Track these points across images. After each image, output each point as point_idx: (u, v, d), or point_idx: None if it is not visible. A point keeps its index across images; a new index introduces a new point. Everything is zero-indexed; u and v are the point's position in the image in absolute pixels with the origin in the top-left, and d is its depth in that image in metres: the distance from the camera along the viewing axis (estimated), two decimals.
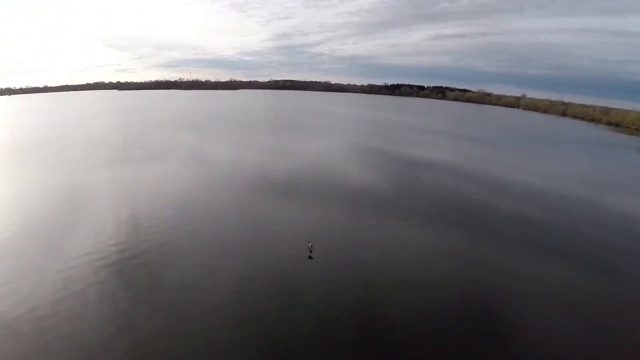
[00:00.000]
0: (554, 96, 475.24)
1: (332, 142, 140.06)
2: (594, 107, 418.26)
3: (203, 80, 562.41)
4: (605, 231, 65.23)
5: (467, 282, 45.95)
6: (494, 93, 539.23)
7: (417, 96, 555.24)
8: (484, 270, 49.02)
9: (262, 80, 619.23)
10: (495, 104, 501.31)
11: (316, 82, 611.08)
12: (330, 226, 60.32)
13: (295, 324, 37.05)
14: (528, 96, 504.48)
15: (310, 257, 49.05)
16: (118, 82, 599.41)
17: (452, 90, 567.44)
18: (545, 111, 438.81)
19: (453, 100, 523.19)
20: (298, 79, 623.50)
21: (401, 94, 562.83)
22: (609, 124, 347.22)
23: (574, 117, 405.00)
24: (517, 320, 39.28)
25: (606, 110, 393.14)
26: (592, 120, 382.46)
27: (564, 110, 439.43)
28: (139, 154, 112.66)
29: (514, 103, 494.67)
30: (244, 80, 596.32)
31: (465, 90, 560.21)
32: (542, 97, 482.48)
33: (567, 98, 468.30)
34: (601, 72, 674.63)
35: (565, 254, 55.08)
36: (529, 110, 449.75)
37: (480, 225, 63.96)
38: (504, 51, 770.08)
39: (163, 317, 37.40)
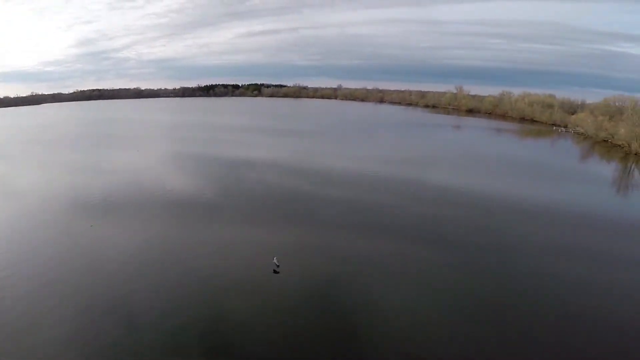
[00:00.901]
0: (369, 85, 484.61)
1: (148, 152, 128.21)
2: (410, 92, 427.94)
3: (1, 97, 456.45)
4: (427, 203, 73.23)
5: (312, 272, 46.69)
6: (310, 86, 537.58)
7: (232, 95, 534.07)
8: (326, 258, 50.47)
9: (66, 92, 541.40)
10: (312, 97, 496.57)
11: (125, 89, 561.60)
12: (158, 240, 56.88)
13: None
14: (344, 86, 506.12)
15: (276, 272, 46.33)
16: None
17: (268, 86, 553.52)
18: (363, 100, 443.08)
19: (270, 96, 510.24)
20: (106, 87, 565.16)
21: (216, 95, 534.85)
22: (426, 106, 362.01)
23: (392, 102, 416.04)
24: (358, 299, 41.01)
25: (422, 94, 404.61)
26: (409, 104, 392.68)
27: (381, 97, 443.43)
28: None
29: (331, 94, 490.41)
30: (46, 93, 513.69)
31: (281, 86, 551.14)
32: (358, 87, 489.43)
33: (383, 85, 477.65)
34: (413, 59, 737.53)
35: (396, 231, 59.43)
36: (347, 100, 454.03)
37: (311, 216, 66.02)
38: (316, 44, 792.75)
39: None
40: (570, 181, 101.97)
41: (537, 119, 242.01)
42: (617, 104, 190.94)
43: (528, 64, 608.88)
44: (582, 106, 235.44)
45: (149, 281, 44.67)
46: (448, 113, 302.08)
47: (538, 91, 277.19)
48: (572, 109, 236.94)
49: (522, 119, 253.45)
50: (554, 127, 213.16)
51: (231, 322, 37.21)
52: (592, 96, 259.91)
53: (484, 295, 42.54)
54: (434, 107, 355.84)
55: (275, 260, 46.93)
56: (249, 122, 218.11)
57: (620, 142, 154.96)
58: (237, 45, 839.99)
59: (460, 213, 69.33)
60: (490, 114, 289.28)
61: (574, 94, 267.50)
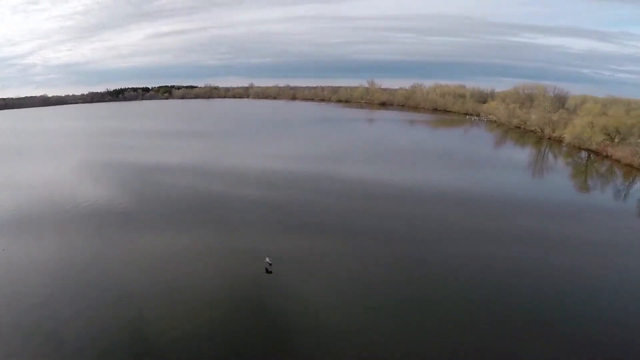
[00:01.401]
0: (281, 82, 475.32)
1: (58, 163, 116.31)
2: (322, 88, 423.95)
3: None
4: (345, 197, 72.16)
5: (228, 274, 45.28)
6: (221, 86, 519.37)
7: (143, 99, 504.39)
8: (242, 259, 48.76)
9: None
10: (224, 97, 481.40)
11: (31, 97, 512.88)
12: (79, 255, 52.14)
13: None
14: (256, 85, 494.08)
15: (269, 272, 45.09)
16: None
17: (179, 88, 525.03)
18: (275, 97, 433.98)
19: (181, 98, 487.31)
20: (10, 96, 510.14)
21: (126, 99, 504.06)
22: (339, 101, 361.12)
23: (305, 99, 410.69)
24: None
25: (334, 90, 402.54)
26: (322, 100, 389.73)
27: (293, 94, 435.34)
28: None
29: (243, 93, 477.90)
30: None
31: (192, 87, 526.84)
32: (270, 85, 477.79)
33: (295, 82, 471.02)
34: (324, 55, 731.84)
35: (315, 227, 58.64)
36: (259, 98, 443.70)
37: (229, 217, 63.69)
38: (226, 44, 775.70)
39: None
40: (488, 167, 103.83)
41: (449, 109, 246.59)
42: (526, 91, 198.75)
43: (438, 56, 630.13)
44: (492, 95, 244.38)
45: (74, 297, 41.53)
46: (361, 107, 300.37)
47: (449, 82, 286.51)
48: (482, 98, 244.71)
49: (435, 110, 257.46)
50: (467, 116, 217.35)
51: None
52: (501, 85, 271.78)
53: (414, 284, 42.37)
54: (346, 101, 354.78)
55: (267, 260, 45.72)
56: (160, 126, 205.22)
57: (532, 128, 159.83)
58: (147, 47, 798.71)
59: (381, 205, 68.56)
60: (403, 106, 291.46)
61: (484, 84, 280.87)
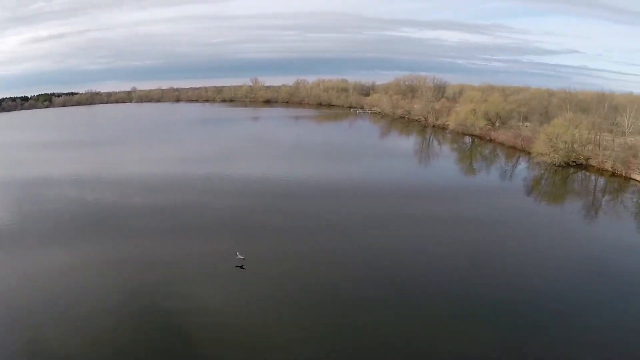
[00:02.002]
0: (164, 84, 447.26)
1: None
2: (206, 88, 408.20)
3: None
4: (237, 196, 68.41)
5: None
6: (103, 91, 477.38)
7: (22, 108, 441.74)
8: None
9: None
10: (107, 102, 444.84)
11: None
12: None
13: None
14: (139, 88, 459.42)
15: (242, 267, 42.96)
16: None
17: (59, 95, 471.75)
18: (159, 100, 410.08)
19: (62, 106, 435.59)
20: None
21: (3, 109, 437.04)
22: (224, 101, 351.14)
23: (189, 101, 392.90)
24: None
25: (219, 90, 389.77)
26: (207, 100, 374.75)
27: (177, 96, 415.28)
28: None
29: (126, 98, 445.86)
30: None
31: (73, 94, 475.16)
32: (153, 87, 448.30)
33: (179, 84, 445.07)
34: (207, 55, 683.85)
35: (209, 229, 54.91)
36: (143, 102, 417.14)
37: (121, 226, 57.80)
38: (106, 47, 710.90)
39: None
40: (377, 157, 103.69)
41: (334, 104, 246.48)
42: (406, 82, 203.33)
43: (320, 52, 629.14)
44: (374, 87, 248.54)
45: None
46: (246, 106, 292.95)
47: (332, 77, 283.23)
48: (364, 91, 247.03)
49: (320, 105, 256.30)
50: (352, 109, 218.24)
51: None
52: (381, 78, 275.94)
53: (313, 277, 41.24)
54: (231, 101, 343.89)
55: (239, 255, 43.57)
56: (40, 137, 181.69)
57: (416, 117, 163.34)
58: (24, 53, 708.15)
59: (273, 201, 66.14)
60: (287, 102, 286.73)
61: (365, 77, 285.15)
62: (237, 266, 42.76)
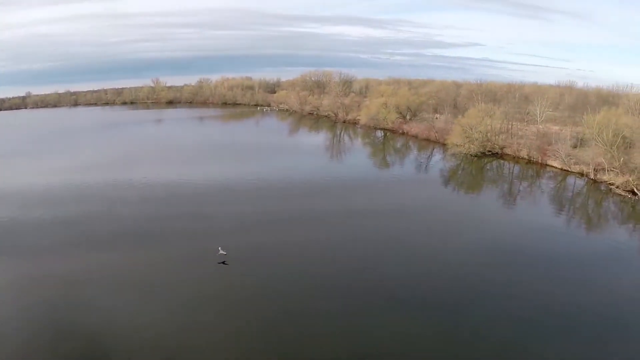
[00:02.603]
0: (62, 88, 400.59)
1: None
2: (105, 91, 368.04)
3: None
4: (141, 203, 61.99)
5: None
6: None
7: None
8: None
9: None
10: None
11: None
12: None
13: None
14: (34, 93, 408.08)
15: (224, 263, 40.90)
16: None
17: None
18: (55, 105, 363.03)
19: None
20: None
21: None
22: (125, 103, 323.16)
23: (88, 104, 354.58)
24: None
25: (119, 92, 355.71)
26: (106, 103, 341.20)
27: (75, 100, 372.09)
28: None
29: (21, 104, 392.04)
30: None
31: None
32: (50, 92, 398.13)
33: (76, 87, 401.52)
34: (105, 55, 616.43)
35: (108, 239, 48.17)
36: (39, 107, 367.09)
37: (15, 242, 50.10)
38: (1, 49, 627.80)
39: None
40: (286, 154, 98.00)
41: (239, 102, 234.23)
42: (313, 78, 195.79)
43: (222, 50, 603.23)
44: (279, 84, 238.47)
45: None
46: (148, 107, 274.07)
47: (236, 75, 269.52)
48: (269, 88, 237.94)
49: (225, 104, 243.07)
50: (258, 107, 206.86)
51: None
52: (286, 74, 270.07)
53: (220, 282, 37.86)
54: (132, 103, 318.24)
55: (221, 250, 41.15)
56: None
57: (326, 113, 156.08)
58: None
59: (184, 205, 60.63)
60: (191, 103, 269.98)
61: (270, 74, 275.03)
62: (219, 262, 40.72)
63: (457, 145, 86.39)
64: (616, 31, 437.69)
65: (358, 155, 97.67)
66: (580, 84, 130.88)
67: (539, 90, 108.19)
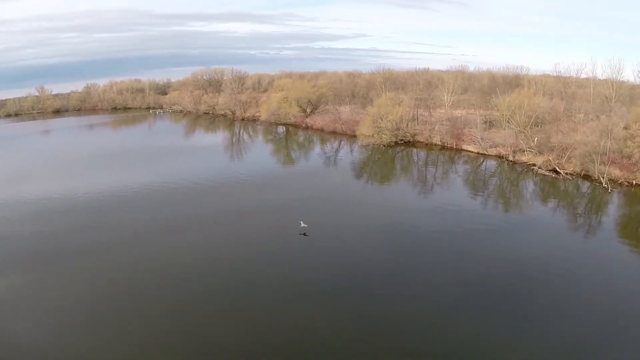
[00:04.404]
0: None
1: None
2: None
3: None
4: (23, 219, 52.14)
5: None
6: None
7: None
8: None
9: None
10: None
11: None
12: None
13: None
14: None
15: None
16: None
17: None
18: None
19: None
20: None
21: None
22: (8, 115, 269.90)
23: None
24: None
25: (2, 103, 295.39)
26: None
27: None
28: None
29: None
30: None
31: None
32: None
33: None
34: None
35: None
36: None
37: None
38: None
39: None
40: (186, 156, 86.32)
41: (130, 106, 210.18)
42: (204, 77, 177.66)
43: (109, 53, 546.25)
44: (170, 85, 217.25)
45: None
46: (34, 118, 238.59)
47: (125, 78, 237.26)
48: (160, 89, 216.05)
49: (115, 109, 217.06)
50: (150, 110, 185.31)
51: None
52: (177, 75, 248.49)
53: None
54: (17, 115, 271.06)
55: (302, 224, 41.39)
56: None
57: (223, 112, 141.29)
58: None
59: (79, 220, 50.93)
60: (79, 110, 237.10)
61: (159, 76, 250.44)
62: (300, 234, 40.71)
63: (367, 136, 78.08)
64: (494, 17, 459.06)
65: (260, 153, 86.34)
66: (471, 68, 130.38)
67: (438, 76, 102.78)
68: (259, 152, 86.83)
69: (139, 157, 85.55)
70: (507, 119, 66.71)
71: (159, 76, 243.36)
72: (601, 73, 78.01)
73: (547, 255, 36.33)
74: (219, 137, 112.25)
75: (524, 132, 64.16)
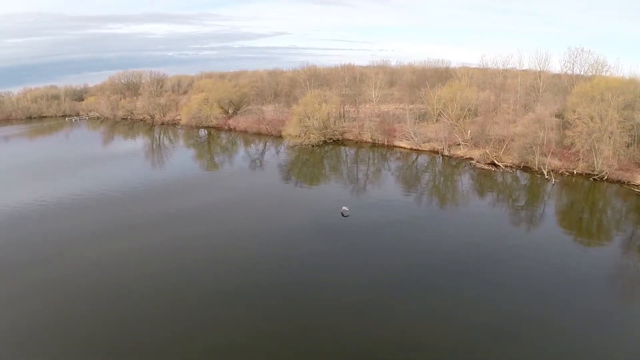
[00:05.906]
0: None
1: None
2: None
3: None
4: None
5: None
6: None
7: None
8: None
9: None
10: None
11: None
12: None
13: None
14: None
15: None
16: None
17: None
18: None
19: None
20: None
21: None
22: None
23: None
24: None
25: None
26: None
27: None
28: None
29: None
30: None
31: None
32: None
33: None
34: None
35: None
36: None
37: None
38: None
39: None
40: (100, 165, 74.07)
41: (45, 114, 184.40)
42: (122, 80, 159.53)
43: (21, 59, 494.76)
44: (87, 91, 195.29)
45: None
46: None
47: (40, 85, 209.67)
48: (76, 95, 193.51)
49: (30, 118, 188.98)
50: (67, 118, 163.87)
51: None
52: (92, 79, 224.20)
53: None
54: None
55: (345, 208, 41.22)
56: None
57: (141, 116, 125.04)
58: None
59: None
60: None
61: (75, 81, 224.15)
62: (343, 215, 40.39)
63: (294, 137, 68.94)
64: (415, 12, 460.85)
65: (181, 159, 75.31)
66: (392, 63, 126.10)
67: (361, 72, 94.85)
68: (180, 158, 75.82)
69: (55, 169, 73.82)
70: (439, 113, 59.97)
71: (76, 82, 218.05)
72: (528, 64, 74.58)
73: (480, 243, 34.76)
74: (138, 144, 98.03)
75: (457, 126, 57.64)
